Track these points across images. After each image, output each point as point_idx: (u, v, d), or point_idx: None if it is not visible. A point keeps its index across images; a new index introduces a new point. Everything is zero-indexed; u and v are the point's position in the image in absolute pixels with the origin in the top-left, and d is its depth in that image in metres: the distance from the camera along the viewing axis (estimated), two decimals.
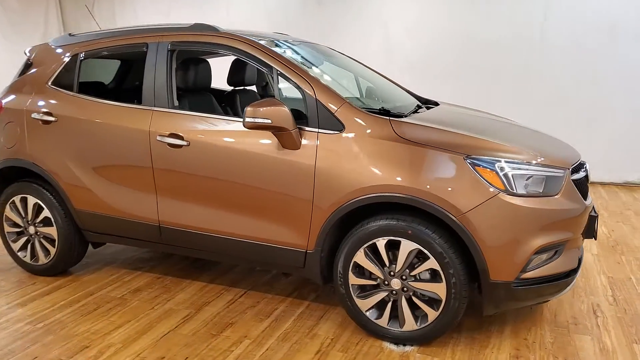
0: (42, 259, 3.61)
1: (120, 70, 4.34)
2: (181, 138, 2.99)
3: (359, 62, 4.01)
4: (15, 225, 3.66)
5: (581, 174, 2.78)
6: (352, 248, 2.68)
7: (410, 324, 2.65)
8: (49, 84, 3.49)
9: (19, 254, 3.69)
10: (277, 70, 2.87)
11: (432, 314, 2.60)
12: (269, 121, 2.62)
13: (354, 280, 2.72)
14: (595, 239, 2.87)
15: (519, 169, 2.48)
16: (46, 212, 3.51)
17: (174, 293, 3.37)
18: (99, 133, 3.25)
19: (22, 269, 3.77)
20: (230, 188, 2.91)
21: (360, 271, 2.72)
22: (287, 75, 2.85)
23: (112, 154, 3.23)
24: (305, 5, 7.41)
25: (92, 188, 3.31)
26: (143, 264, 3.88)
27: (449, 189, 2.46)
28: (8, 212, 3.64)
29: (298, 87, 2.82)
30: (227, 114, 3.47)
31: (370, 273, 2.69)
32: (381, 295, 2.69)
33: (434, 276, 2.58)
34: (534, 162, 2.54)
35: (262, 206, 2.86)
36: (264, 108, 2.63)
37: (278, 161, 2.77)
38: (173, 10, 8.19)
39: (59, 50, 3.56)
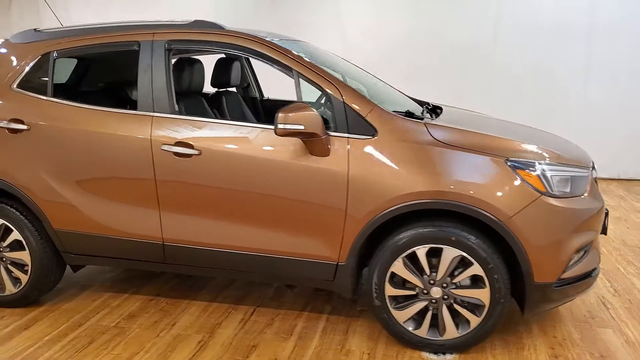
0: (10, 289, 3.13)
1: (102, 72, 3.88)
2: (191, 146, 2.70)
3: (346, 61, 3.88)
4: None
5: (594, 172, 2.88)
6: (389, 258, 2.56)
7: (451, 332, 2.58)
8: (14, 86, 3.02)
9: None
10: (298, 72, 2.68)
11: (474, 320, 2.55)
12: (302, 127, 2.44)
13: (390, 291, 2.61)
14: (606, 235, 2.97)
15: (557, 170, 2.50)
16: (15, 235, 3.04)
17: (176, 316, 3.06)
18: (85, 143, 2.86)
19: None
20: (250, 199, 2.68)
21: (397, 282, 2.62)
22: (310, 77, 2.67)
23: (103, 166, 2.86)
24: (257, 2, 7.16)
25: (77, 204, 2.91)
26: (127, 285, 3.49)
27: (494, 192, 2.43)
28: None
29: (322, 90, 2.66)
30: (215, 117, 3.22)
31: (409, 283, 2.60)
32: (420, 305, 2.60)
33: (475, 282, 2.54)
34: (568, 163, 2.57)
35: (288, 218, 2.66)
36: (295, 113, 2.43)
37: (306, 169, 2.58)
38: (109, 5, 7.57)
39: (24, 49, 3.09)
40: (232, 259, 2.80)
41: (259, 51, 2.75)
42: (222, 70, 3.49)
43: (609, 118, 6.39)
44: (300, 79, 2.69)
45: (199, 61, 3.18)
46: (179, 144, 2.72)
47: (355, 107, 2.59)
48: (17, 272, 3.10)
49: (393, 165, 2.51)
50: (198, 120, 2.78)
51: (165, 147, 2.73)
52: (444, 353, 2.64)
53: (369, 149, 2.54)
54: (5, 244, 3.07)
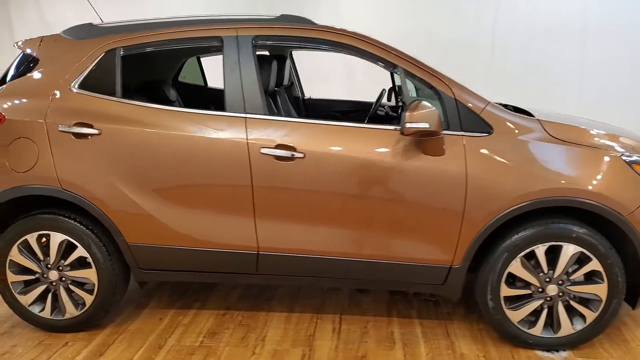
0: (71, 311, 2.81)
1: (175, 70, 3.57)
2: (294, 149, 2.53)
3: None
4: (26, 271, 2.80)
5: None
6: (507, 258, 2.52)
7: (566, 328, 2.58)
8: (74, 87, 2.71)
9: (30, 308, 2.83)
10: (404, 69, 2.58)
11: (590, 316, 2.56)
12: (427, 125, 2.34)
13: (506, 291, 2.57)
14: None
15: None
16: (80, 252, 2.73)
17: (261, 330, 2.87)
18: (167, 147, 2.61)
19: (32, 327, 2.90)
20: (359, 204, 2.55)
21: (513, 282, 2.58)
22: (416, 74, 2.57)
23: (189, 172, 2.61)
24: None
25: (156, 216, 2.65)
26: (188, 300, 3.24)
27: (614, 188, 2.44)
28: (15, 255, 2.76)
29: (430, 87, 2.57)
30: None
31: (521, 282, 2.56)
32: (536, 303, 2.57)
33: (589, 278, 2.54)
34: None
35: (399, 221, 2.55)
36: (420, 112, 2.33)
37: (420, 170, 2.49)
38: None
39: (83, 45, 2.78)
40: (337, 266, 2.65)
41: (361, 48, 2.61)
42: (277, 69, 3.31)
43: (604, 118, 6.70)
44: (406, 76, 2.58)
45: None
46: (281, 146, 2.53)
47: (469, 104, 2.52)
48: (80, 293, 2.79)
49: (512, 164, 2.46)
50: (299, 122, 2.62)
51: (265, 151, 2.53)
52: (557, 350, 2.63)
53: (486, 147, 2.48)
54: (67, 262, 2.75)
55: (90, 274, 2.75)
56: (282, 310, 3.10)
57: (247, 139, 2.56)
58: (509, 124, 2.51)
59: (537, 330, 2.60)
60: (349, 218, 2.57)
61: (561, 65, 6.64)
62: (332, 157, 2.53)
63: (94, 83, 2.75)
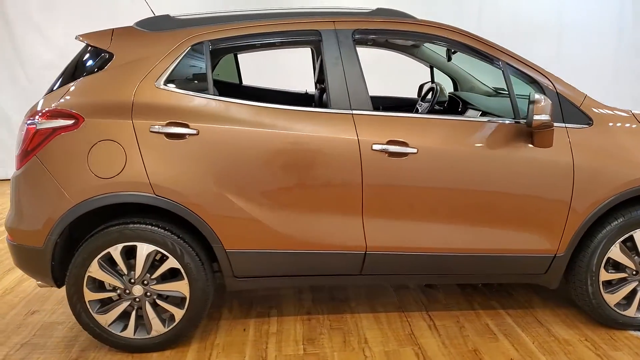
0: (158, 329, 2.58)
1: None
2: (406, 145, 2.48)
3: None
4: (106, 288, 2.54)
5: None
6: (607, 244, 2.63)
7: None
8: (159, 83, 2.49)
9: (110, 328, 2.57)
10: (507, 63, 2.61)
11: None
12: (548, 117, 2.39)
13: (605, 276, 2.68)
14: None
15: None
16: (171, 263, 2.51)
17: (358, 332, 2.79)
18: (271, 147, 2.47)
19: (108, 348, 2.64)
20: (471, 198, 2.55)
21: (608, 266, 2.69)
22: (519, 68, 2.62)
23: (296, 172, 2.49)
24: None
25: (260, 219, 2.50)
26: (258, 307, 3.08)
27: None
28: (95, 271, 2.49)
29: (533, 81, 2.62)
30: None
31: (621, 266, 2.69)
32: (631, 286, 2.71)
33: None
34: None
35: (510, 214, 2.58)
36: (542, 104, 2.37)
37: (530, 162, 2.54)
38: None
39: (164, 38, 2.56)
40: (445, 262, 2.64)
41: (462, 42, 2.62)
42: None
43: None
44: (512, 72, 2.61)
45: None
46: (393, 142, 2.48)
47: (569, 96, 2.61)
48: (168, 307, 2.57)
49: (613, 154, 2.58)
50: (409, 117, 2.58)
51: (378, 147, 2.47)
52: None
53: (588, 138, 2.57)
54: (154, 275, 2.52)
55: (181, 287, 2.54)
56: (365, 311, 3.03)
57: (357, 136, 2.48)
58: (606, 115, 2.62)
59: (632, 311, 2.73)
60: (461, 213, 2.57)
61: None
62: (445, 151, 2.51)
63: (181, 79, 2.56)
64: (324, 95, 3.11)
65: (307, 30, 2.60)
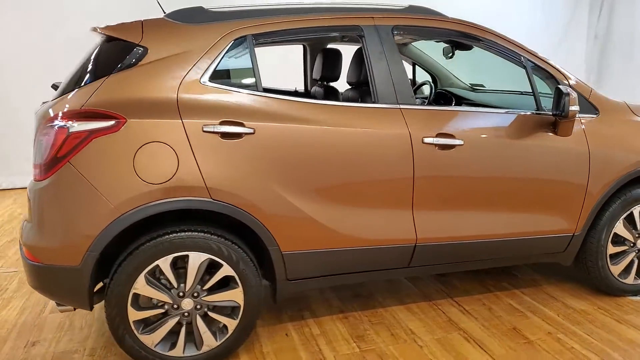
0: (210, 343, 2.40)
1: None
2: (453, 137, 2.58)
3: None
4: (152, 305, 2.31)
5: None
6: (613, 220, 2.95)
7: None
8: (206, 79, 2.32)
9: (157, 349, 2.34)
10: (529, 60, 2.81)
11: None
12: (577, 108, 2.62)
13: (611, 249, 3.01)
14: None
15: None
16: (226, 271, 2.35)
17: (400, 325, 2.83)
18: (328, 144, 2.42)
19: None
20: (510, 186, 2.72)
21: (616, 241, 3.02)
22: (540, 65, 2.84)
23: (351, 168, 2.46)
24: None
25: (317, 218, 2.44)
26: (289, 311, 2.99)
27: None
28: (142, 287, 2.25)
29: (550, 77, 2.86)
30: None
31: (622, 239, 3.03)
32: (630, 257, 3.06)
33: None
34: None
35: (538, 198, 2.79)
36: (572, 97, 2.60)
37: (555, 150, 2.77)
38: None
39: (203, 32, 2.39)
40: (484, 248, 2.78)
41: (491, 40, 2.77)
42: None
43: None
44: (531, 68, 2.82)
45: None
46: (441, 135, 2.56)
47: (580, 89, 2.88)
48: (220, 319, 2.41)
49: (618, 140, 2.90)
50: (452, 110, 2.69)
51: (429, 140, 2.53)
52: None
53: (598, 127, 2.87)
54: (205, 286, 2.35)
55: (236, 295, 2.39)
56: (395, 303, 3.08)
57: (408, 130, 2.52)
58: (608, 106, 2.94)
59: (630, 279, 3.09)
60: (500, 200, 2.72)
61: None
62: (487, 142, 2.65)
63: (225, 74, 2.41)
64: (350, 91, 3.11)
65: (350, 25, 2.59)
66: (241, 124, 2.29)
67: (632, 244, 3.04)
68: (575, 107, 2.59)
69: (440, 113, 2.65)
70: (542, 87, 2.91)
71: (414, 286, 3.31)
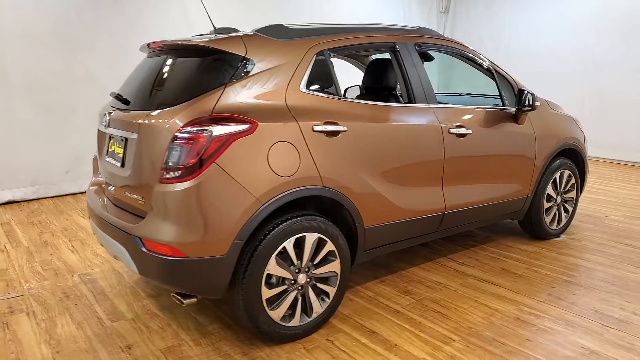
0: (317, 310, 2.83)
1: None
2: (465, 127, 3.42)
3: None
4: (278, 282, 2.67)
5: None
6: (546, 185, 4.13)
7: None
8: (303, 87, 2.76)
9: (282, 322, 2.70)
10: (495, 70, 3.80)
11: None
12: (539, 103, 3.70)
13: (545, 205, 4.19)
14: None
15: None
16: (329, 246, 2.82)
17: (438, 292, 3.58)
18: (393, 136, 3.05)
19: (276, 345, 2.74)
20: (495, 162, 3.68)
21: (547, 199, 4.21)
22: (502, 74, 3.84)
23: (408, 155, 3.13)
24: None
25: (386, 197, 3.05)
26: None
27: (578, 134, 4.37)
28: (273, 267, 2.61)
29: (506, 81, 3.88)
30: None
31: (552, 197, 4.24)
32: (554, 208, 4.29)
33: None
34: None
35: (512, 170, 3.82)
36: (536, 95, 3.66)
37: (520, 135, 3.82)
38: None
39: (292, 47, 2.80)
40: (481, 212, 3.68)
41: (469, 55, 3.69)
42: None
43: None
44: (497, 77, 3.81)
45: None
46: (459, 126, 3.38)
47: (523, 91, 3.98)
48: (325, 288, 2.86)
49: (549, 125, 4.08)
50: (462, 108, 3.50)
51: (453, 131, 3.33)
52: (558, 235, 4.42)
53: (536, 116, 3.99)
54: (315, 261, 2.79)
55: (335, 266, 2.86)
56: (409, 266, 3.81)
57: (440, 124, 3.29)
58: (540, 102, 4.10)
59: (554, 225, 4.32)
60: (492, 174, 3.66)
61: None
62: (484, 130, 3.56)
63: (314, 83, 2.87)
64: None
65: (388, 42, 3.24)
66: (337, 124, 2.79)
67: (555, 200, 4.27)
68: (538, 102, 3.65)
69: (456, 110, 3.47)
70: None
71: (416, 251, 4.08)
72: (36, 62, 5.71)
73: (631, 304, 3.17)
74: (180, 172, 2.39)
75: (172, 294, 2.63)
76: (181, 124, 2.41)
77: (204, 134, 2.38)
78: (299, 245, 2.70)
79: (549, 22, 8.31)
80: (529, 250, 4.12)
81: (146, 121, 2.54)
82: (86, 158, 6.17)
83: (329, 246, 2.81)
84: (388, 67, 3.42)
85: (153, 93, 2.80)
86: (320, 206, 2.90)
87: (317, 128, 2.71)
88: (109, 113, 2.92)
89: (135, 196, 2.63)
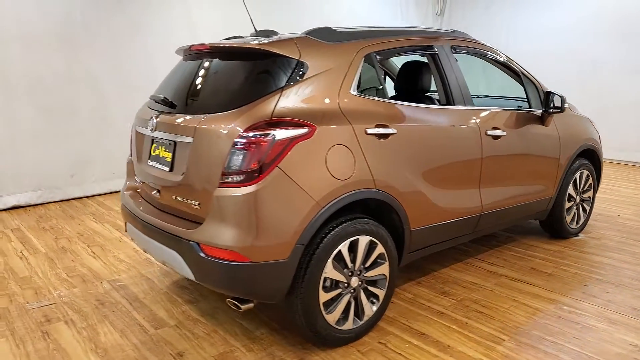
0: (368, 312, 2.84)
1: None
2: (499, 129, 3.47)
3: None
4: (332, 286, 2.66)
5: None
6: (567, 185, 4.21)
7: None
8: (354, 90, 2.75)
9: (336, 325, 2.69)
10: (522, 73, 3.86)
11: None
12: (567, 105, 3.77)
13: (567, 205, 4.27)
14: None
15: None
16: (380, 249, 2.82)
17: (477, 293, 3.62)
18: (438, 138, 3.09)
19: (331, 350, 2.73)
20: (525, 163, 3.74)
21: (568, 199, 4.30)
22: (528, 77, 3.91)
23: (448, 156, 3.16)
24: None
25: (432, 199, 3.07)
26: None
27: (595, 135, 4.47)
28: (330, 271, 2.60)
29: (534, 86, 3.94)
30: None
31: (572, 197, 4.32)
32: (574, 208, 4.38)
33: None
34: None
35: (539, 171, 3.89)
36: (564, 97, 3.73)
37: (546, 136, 3.90)
38: None
39: (341, 50, 2.80)
40: (512, 212, 3.74)
41: (496, 58, 3.74)
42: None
43: None
44: (523, 79, 3.87)
45: None
46: (494, 128, 3.42)
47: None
48: (375, 291, 2.86)
49: (573, 127, 4.18)
50: (497, 110, 3.54)
51: (490, 132, 3.37)
52: (577, 235, 4.52)
53: (561, 119, 4.07)
54: (367, 264, 2.79)
55: (384, 269, 2.87)
56: (441, 268, 3.84)
57: (478, 125, 3.32)
58: (567, 105, 4.17)
59: (574, 224, 4.41)
60: (521, 175, 3.72)
61: None
62: (516, 131, 3.61)
63: (363, 85, 2.87)
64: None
65: (427, 45, 3.27)
66: (386, 126, 2.80)
67: (575, 200, 4.36)
68: (566, 105, 3.72)
69: (489, 112, 3.50)
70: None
71: (444, 252, 4.11)
72: (37, 63, 5.56)
73: None
74: (242, 176, 2.36)
75: (228, 299, 2.60)
76: (242, 129, 2.38)
77: (267, 139, 2.36)
78: (352, 248, 2.69)
79: (547, 23, 8.46)
80: (552, 249, 4.19)
81: (204, 126, 2.50)
82: (91, 161, 6.05)
83: (379, 249, 2.81)
84: (423, 69, 3.45)
85: (202, 96, 2.76)
86: (365, 209, 2.90)
87: (370, 131, 2.71)
88: (156, 116, 2.86)
89: (189, 201, 2.59)
